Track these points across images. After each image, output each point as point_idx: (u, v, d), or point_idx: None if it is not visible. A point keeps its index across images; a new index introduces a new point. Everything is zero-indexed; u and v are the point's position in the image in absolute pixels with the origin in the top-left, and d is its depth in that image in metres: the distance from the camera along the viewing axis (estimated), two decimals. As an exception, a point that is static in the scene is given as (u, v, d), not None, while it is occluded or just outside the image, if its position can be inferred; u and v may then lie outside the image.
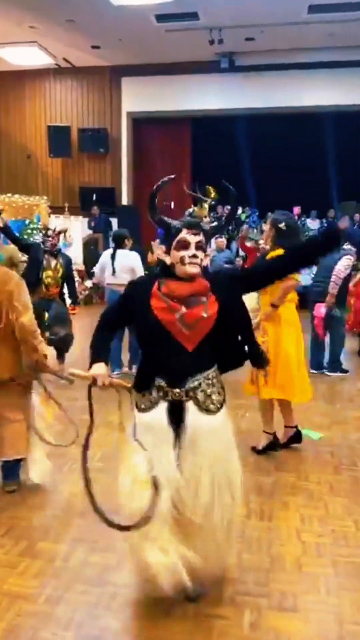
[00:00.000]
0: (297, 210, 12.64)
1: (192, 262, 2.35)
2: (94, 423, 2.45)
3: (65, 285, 6.44)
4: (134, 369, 4.94)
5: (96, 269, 6.86)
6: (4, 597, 2.56)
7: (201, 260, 2.39)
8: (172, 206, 10.89)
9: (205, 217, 4.48)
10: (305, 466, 4.00)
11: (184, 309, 2.34)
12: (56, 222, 11.13)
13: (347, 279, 6.52)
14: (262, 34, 11.14)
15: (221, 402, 2.47)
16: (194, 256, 2.35)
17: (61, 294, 6.43)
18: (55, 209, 12.59)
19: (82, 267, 11.76)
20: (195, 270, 2.37)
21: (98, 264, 6.75)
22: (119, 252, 6.38)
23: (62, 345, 6.28)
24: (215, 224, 2.76)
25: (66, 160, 14.16)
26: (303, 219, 13.21)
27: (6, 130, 14.47)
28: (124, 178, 14.06)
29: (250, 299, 7.14)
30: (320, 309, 6.44)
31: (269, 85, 12.49)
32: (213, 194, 3.68)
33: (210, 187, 3.62)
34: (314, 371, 6.42)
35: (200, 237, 2.39)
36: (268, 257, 3.91)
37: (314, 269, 7.16)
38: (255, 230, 11.29)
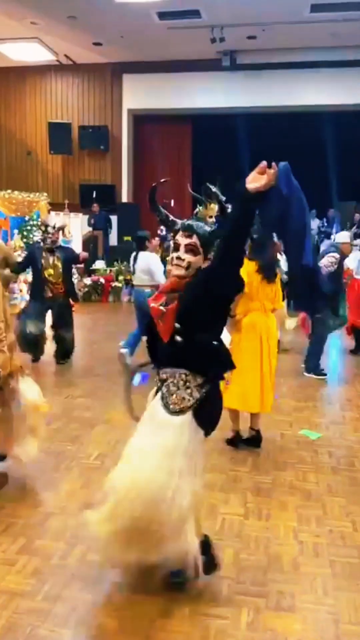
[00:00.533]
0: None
1: (176, 264, 2.44)
2: None
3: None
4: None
5: None
6: (1, 595, 2.57)
7: (188, 263, 2.42)
8: (172, 204, 10.91)
9: (210, 217, 4.46)
10: (303, 466, 4.01)
11: (163, 302, 2.47)
12: (55, 219, 11.11)
13: (340, 283, 6.48)
14: (263, 32, 11.14)
15: (183, 409, 2.42)
16: (179, 258, 2.43)
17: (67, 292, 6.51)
18: (55, 206, 12.57)
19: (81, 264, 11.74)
20: (178, 272, 2.44)
21: None
22: (140, 254, 6.48)
23: (67, 347, 6.30)
24: (213, 228, 2.66)
25: (66, 157, 14.16)
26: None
27: (6, 126, 14.46)
28: (124, 175, 14.06)
29: (290, 322, 7.17)
30: None
31: (270, 84, 12.51)
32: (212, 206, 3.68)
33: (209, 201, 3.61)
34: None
35: (193, 240, 2.43)
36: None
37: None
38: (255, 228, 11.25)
